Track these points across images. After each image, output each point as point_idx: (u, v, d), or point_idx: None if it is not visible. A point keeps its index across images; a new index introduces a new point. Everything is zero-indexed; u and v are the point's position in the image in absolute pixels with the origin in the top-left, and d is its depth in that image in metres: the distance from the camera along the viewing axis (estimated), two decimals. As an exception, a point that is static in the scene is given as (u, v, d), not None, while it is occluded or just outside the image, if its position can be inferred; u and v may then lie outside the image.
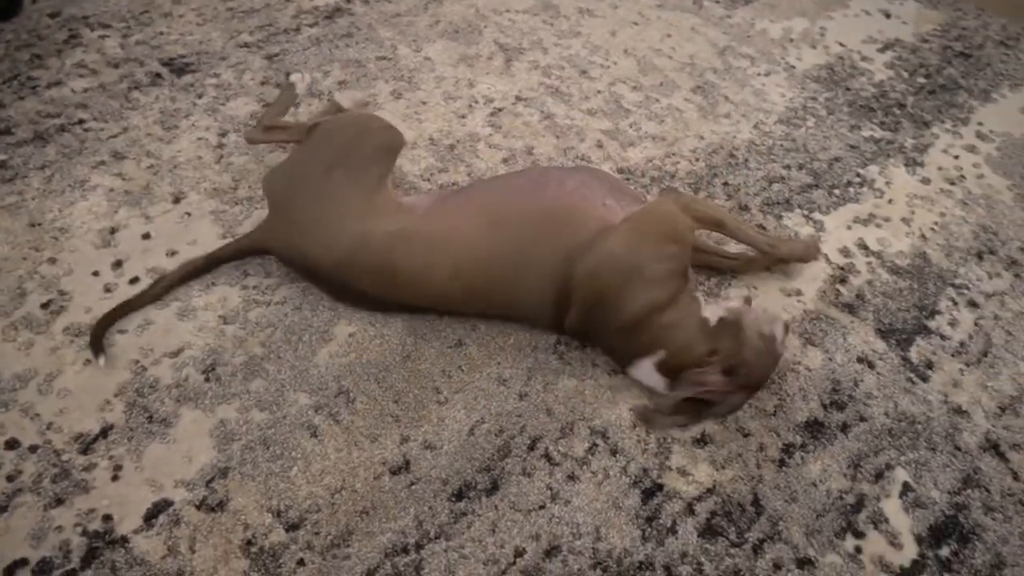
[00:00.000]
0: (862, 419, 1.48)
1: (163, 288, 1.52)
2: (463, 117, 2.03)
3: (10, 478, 1.24)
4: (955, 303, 1.73)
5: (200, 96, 1.99)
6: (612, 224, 1.43)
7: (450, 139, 1.95)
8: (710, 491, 1.34)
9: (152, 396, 1.37)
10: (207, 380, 1.40)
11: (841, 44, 2.58)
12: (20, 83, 1.95)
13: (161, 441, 1.31)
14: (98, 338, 1.42)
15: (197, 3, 2.32)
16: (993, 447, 1.47)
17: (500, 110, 2.07)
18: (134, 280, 1.54)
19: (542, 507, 1.29)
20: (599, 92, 2.19)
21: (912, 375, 1.57)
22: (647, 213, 1.46)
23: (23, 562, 1.15)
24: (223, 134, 1.88)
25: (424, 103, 2.06)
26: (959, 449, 1.45)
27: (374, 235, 1.43)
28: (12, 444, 1.28)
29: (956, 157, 2.16)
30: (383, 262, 1.43)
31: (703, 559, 1.25)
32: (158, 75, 2.04)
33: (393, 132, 1.59)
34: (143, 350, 1.43)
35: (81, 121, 1.86)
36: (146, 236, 1.63)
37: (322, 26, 2.29)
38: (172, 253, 1.60)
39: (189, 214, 1.69)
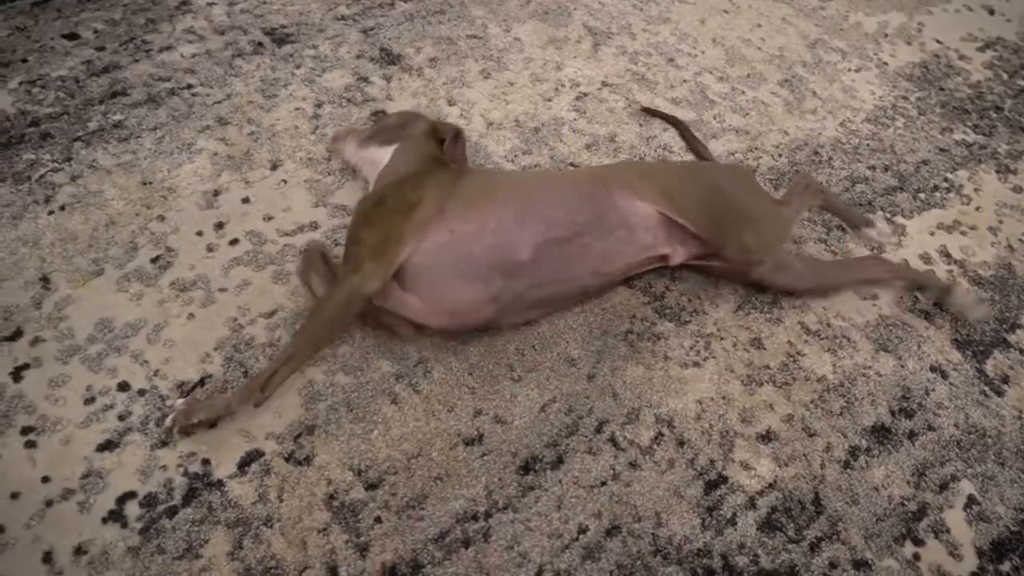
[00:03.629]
0: (930, 428, 1.48)
1: None
2: (549, 100, 2.06)
3: (121, 417, 1.36)
4: (1038, 319, 1.70)
5: (298, 67, 2.07)
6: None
7: (535, 122, 1.99)
8: (771, 486, 1.37)
9: (247, 352, 1.47)
10: (298, 341, 1.49)
11: (938, 41, 2.50)
12: (135, 46, 2.07)
13: (255, 395, 1.41)
14: None
15: (297, -26, 2.40)
16: (1065, 468, 1.45)
17: (586, 95, 2.09)
18: (234, 242, 1.64)
19: (603, 483, 1.34)
20: (685, 81, 2.19)
21: (986, 388, 1.56)
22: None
23: (132, 494, 1.27)
24: (319, 105, 1.96)
25: (512, 84, 2.10)
26: (1029, 467, 1.45)
27: None
28: (123, 387, 1.40)
29: (1052, 167, 2.09)
30: None
31: (760, 551, 1.29)
32: (260, 44, 2.13)
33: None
34: (241, 309, 1.53)
35: (189, 86, 1.97)
36: (245, 200, 1.73)
37: (416, 2, 2.34)
38: (268, 218, 1.69)
39: (285, 181, 1.78)
